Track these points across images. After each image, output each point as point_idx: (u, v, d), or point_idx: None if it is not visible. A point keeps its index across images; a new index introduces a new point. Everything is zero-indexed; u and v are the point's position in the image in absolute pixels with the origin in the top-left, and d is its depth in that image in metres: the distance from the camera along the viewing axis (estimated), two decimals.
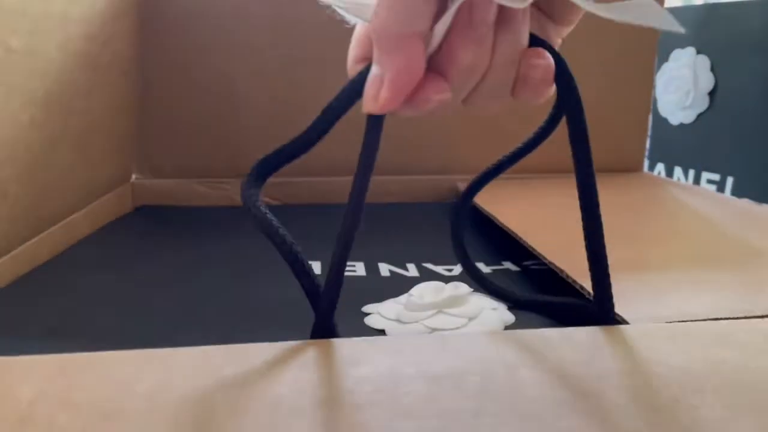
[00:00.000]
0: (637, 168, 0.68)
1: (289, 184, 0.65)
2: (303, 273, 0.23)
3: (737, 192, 0.72)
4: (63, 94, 0.40)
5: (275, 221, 0.23)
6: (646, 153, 0.70)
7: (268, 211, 0.24)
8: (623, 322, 0.25)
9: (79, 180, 0.47)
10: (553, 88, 0.24)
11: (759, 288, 0.30)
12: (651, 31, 0.65)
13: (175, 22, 0.59)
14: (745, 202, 0.56)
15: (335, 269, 0.22)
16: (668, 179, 0.72)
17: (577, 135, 0.24)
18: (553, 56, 0.23)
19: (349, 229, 0.22)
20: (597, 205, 0.24)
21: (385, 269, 0.43)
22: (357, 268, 0.43)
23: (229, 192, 0.66)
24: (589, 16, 0.22)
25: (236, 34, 0.60)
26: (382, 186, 0.65)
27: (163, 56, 0.60)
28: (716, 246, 0.39)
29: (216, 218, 0.59)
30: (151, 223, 0.58)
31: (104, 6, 0.45)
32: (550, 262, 0.34)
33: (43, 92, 0.37)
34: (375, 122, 0.22)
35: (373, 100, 0.21)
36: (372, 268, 0.43)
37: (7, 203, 0.36)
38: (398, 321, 0.33)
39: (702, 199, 0.54)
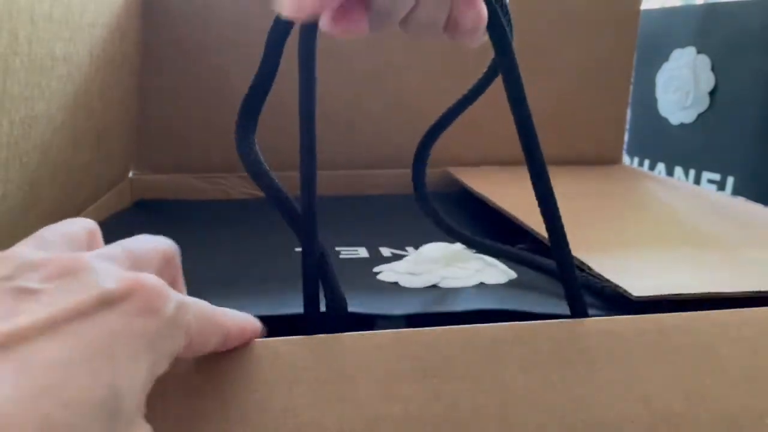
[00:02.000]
0: (616, 160, 0.74)
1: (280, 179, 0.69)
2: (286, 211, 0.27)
3: (738, 192, 0.77)
4: (87, 96, 0.43)
5: (265, 167, 0.27)
6: (624, 147, 0.75)
7: (262, 162, 0.27)
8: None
9: (94, 178, 0.50)
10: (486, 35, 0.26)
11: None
12: (631, 25, 0.70)
13: (172, 20, 0.62)
14: (717, 194, 0.61)
15: (306, 185, 0.26)
16: (646, 171, 0.78)
17: (511, 92, 0.26)
18: (488, 5, 0.24)
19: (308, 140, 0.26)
20: (543, 165, 0.26)
21: (386, 251, 0.47)
22: (359, 252, 0.47)
23: (225, 186, 0.70)
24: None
25: (232, 31, 0.63)
26: (378, 179, 0.70)
27: (159, 53, 0.62)
28: (666, 229, 0.45)
29: (213, 212, 0.63)
30: (149, 216, 0.61)
31: (120, 8, 0.48)
32: (537, 233, 0.38)
33: (73, 96, 0.40)
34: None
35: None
36: (374, 251, 0.47)
37: (39, 204, 0.39)
38: (410, 274, 0.37)
39: (673, 190, 0.60)
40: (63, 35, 0.35)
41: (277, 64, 0.27)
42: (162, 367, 0.18)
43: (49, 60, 0.34)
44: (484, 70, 0.34)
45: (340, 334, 0.21)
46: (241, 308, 0.22)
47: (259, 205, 0.66)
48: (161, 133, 0.66)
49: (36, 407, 0.15)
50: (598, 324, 0.23)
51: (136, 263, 0.20)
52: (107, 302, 0.17)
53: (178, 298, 0.19)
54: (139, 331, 0.17)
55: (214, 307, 0.21)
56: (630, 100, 0.74)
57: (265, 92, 0.28)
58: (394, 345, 0.21)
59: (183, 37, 0.63)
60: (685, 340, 0.23)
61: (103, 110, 0.48)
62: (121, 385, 0.16)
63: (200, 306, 0.20)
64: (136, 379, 0.17)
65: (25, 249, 0.19)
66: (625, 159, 0.76)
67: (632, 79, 0.73)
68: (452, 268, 0.38)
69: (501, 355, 0.21)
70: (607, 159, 0.73)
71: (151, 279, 0.18)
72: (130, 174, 0.67)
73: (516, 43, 0.27)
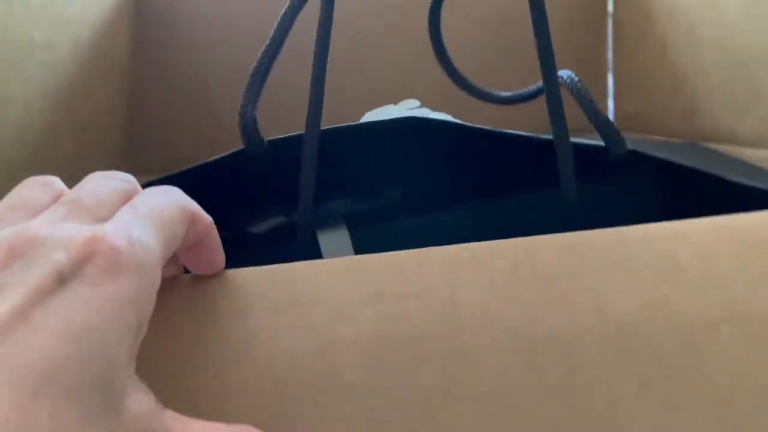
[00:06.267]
0: None
1: None
2: None
3: None
4: (68, 89, 0.45)
5: None
6: None
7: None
8: None
9: (79, 174, 0.52)
10: None
11: None
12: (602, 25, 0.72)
13: (161, 21, 0.64)
14: None
15: None
16: None
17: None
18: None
19: None
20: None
21: None
22: None
23: None
24: None
25: (223, 32, 0.65)
26: None
27: (148, 55, 0.64)
28: None
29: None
30: None
31: (112, 8, 0.50)
32: None
33: (52, 85, 0.42)
34: None
35: None
36: None
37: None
38: None
39: None
40: (41, 23, 0.37)
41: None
42: (147, 313, 0.18)
43: (27, 44, 0.36)
44: None
45: (294, 263, 0.22)
46: None
47: None
48: (151, 133, 0.68)
49: (31, 409, 0.14)
50: (555, 240, 0.23)
51: (93, 210, 0.19)
52: (64, 277, 0.16)
53: (138, 237, 0.18)
54: (112, 294, 0.16)
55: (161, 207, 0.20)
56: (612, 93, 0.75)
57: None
58: (348, 270, 0.22)
59: (172, 38, 0.65)
60: (643, 251, 0.23)
61: (89, 108, 0.50)
62: (112, 355, 0.16)
63: (155, 220, 0.19)
64: (124, 341, 0.17)
65: None
66: None
67: (611, 74, 0.74)
68: None
69: (455, 275, 0.22)
70: None
71: (105, 233, 0.17)
72: None
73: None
